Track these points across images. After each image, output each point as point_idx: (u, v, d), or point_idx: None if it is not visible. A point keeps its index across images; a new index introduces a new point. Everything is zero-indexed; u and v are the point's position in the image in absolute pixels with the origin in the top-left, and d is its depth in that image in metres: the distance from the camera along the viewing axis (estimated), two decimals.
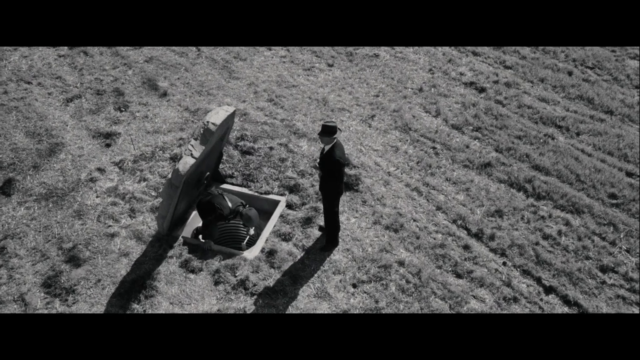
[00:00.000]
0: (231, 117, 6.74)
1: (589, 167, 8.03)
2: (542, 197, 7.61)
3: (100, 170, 7.68)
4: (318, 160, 6.19)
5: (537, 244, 6.92)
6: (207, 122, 6.32)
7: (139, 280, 6.28)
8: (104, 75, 9.53)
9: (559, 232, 7.09)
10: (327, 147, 5.97)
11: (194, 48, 10.40)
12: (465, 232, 7.12)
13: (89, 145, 8.09)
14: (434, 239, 6.99)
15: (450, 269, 6.62)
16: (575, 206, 7.43)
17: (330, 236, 6.69)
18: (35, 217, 6.99)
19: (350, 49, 10.59)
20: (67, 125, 8.41)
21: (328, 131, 5.80)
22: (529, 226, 7.18)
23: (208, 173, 6.97)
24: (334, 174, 6.02)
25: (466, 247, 6.88)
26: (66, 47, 10.13)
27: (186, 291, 6.25)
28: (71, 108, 8.74)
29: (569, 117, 9.04)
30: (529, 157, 8.23)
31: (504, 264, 6.70)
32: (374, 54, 10.49)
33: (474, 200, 7.56)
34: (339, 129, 5.88)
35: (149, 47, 10.32)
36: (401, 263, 6.64)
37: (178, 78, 9.60)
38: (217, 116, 6.44)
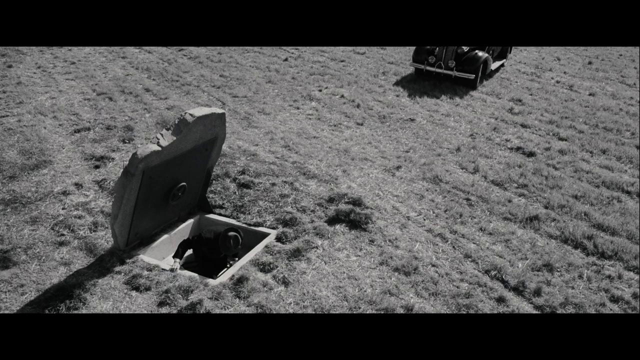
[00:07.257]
0: (218, 119, 5.82)
1: None
2: (608, 256, 5.79)
3: (78, 185, 6.81)
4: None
5: (602, 304, 5.02)
6: (185, 112, 5.43)
7: (66, 288, 4.96)
8: (121, 115, 9.18)
9: (635, 295, 5.16)
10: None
11: (220, 102, 10.03)
12: (501, 284, 5.36)
13: (77, 165, 7.37)
14: (457, 287, 5.27)
15: None
16: None
17: None
18: None
19: (384, 112, 9.79)
20: (63, 149, 7.83)
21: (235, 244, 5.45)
22: (591, 285, 5.32)
23: (184, 184, 5.88)
24: None
25: (500, 300, 5.09)
26: (94, 93, 10.07)
27: (120, 309, 4.81)
28: (76, 137, 8.25)
29: None
30: (588, 216, 6.54)
31: None
32: (410, 118, 9.60)
33: (515, 252, 5.87)
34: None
35: (173, 99, 10.06)
36: (409, 309, 4.93)
37: None
38: (199, 110, 5.56)
